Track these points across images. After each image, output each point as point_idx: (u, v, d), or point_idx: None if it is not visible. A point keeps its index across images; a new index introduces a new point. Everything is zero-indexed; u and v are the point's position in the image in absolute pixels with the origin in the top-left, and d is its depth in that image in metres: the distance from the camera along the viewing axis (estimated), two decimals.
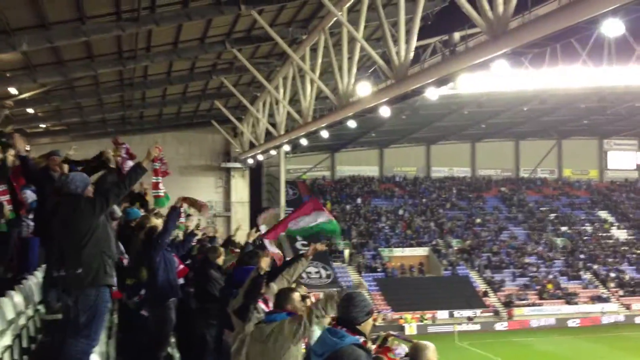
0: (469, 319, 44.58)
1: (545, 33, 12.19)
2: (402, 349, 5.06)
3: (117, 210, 10.18)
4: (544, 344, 39.29)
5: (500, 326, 44.29)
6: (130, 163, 8.03)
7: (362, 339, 3.98)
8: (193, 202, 8.50)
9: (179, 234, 10.59)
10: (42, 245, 7.59)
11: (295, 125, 28.14)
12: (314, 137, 29.72)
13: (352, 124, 24.04)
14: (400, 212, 55.04)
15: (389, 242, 51.62)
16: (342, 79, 21.21)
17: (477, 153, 60.04)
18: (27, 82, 22.53)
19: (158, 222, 8.13)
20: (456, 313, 44.96)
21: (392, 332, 5.23)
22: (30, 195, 7.53)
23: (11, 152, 7.47)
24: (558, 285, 49.19)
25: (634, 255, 53.12)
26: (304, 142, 30.73)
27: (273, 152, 39.28)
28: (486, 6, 13.15)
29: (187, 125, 41.87)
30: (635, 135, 60.37)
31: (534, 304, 46.95)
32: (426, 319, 43.80)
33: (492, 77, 31.20)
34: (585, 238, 54.96)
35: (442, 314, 44.76)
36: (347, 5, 19.70)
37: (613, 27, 11.63)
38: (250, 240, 9.24)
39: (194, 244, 10.26)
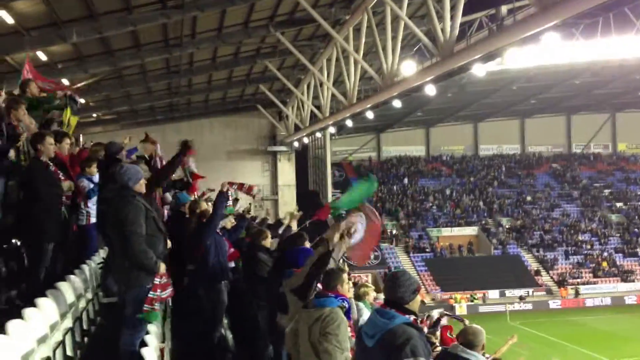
0: (521, 298, 43.95)
1: (598, 2, 11.72)
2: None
3: (168, 196, 10.44)
4: (599, 322, 38.43)
5: (553, 304, 43.57)
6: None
7: (412, 317, 3.95)
8: (240, 187, 8.58)
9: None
10: (99, 232, 7.84)
11: (340, 106, 28.04)
12: (359, 118, 29.59)
13: (397, 103, 23.81)
14: (448, 191, 54.43)
15: (437, 222, 51.23)
16: (386, 58, 20.96)
17: (527, 129, 58.72)
18: (78, 73, 23.11)
19: (207, 207, 8.30)
20: (507, 292, 44.42)
21: (445, 312, 5.22)
22: (87, 184, 7.74)
23: (67, 141, 7.71)
24: (614, 263, 47.93)
25: None
26: (349, 123, 30.61)
27: (318, 135, 39.30)
28: None
29: (233, 110, 42.33)
30: None
31: (588, 282, 45.98)
32: (477, 299, 43.42)
33: (541, 51, 30.22)
34: None
35: (493, 294, 44.28)
36: None
37: None
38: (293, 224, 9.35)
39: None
